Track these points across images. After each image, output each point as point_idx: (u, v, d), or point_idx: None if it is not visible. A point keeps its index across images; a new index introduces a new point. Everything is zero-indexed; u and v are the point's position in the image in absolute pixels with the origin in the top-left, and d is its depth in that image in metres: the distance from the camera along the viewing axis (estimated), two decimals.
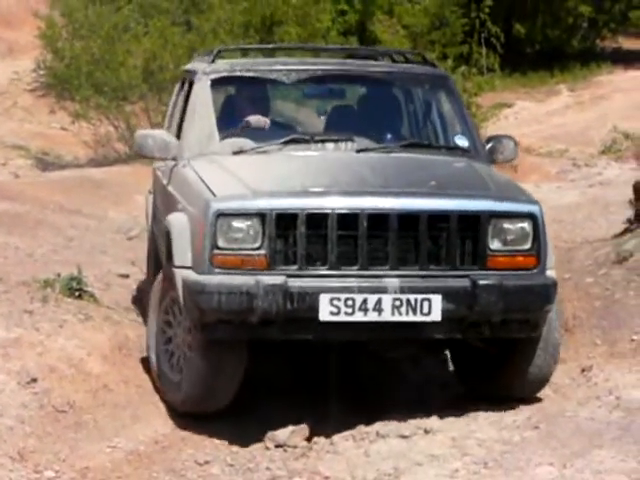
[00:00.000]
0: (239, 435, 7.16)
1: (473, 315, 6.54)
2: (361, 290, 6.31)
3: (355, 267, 6.39)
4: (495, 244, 6.61)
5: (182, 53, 19.55)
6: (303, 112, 8.93)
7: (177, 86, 9.80)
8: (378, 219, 6.40)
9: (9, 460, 6.17)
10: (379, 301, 6.28)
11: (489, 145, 8.05)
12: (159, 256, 8.70)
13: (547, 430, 6.44)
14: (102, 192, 15.39)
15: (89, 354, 7.39)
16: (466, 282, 6.48)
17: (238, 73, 8.30)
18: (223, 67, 8.30)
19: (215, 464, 6.62)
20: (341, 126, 8.35)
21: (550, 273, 6.97)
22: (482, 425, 6.68)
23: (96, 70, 20.47)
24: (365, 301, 6.27)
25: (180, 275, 6.65)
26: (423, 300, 6.33)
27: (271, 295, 6.22)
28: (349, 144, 7.69)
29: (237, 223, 6.38)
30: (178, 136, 8.32)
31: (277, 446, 6.80)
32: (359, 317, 6.29)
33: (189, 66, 9.53)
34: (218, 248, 6.39)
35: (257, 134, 7.91)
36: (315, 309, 6.28)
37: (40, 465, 6.24)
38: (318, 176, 7.16)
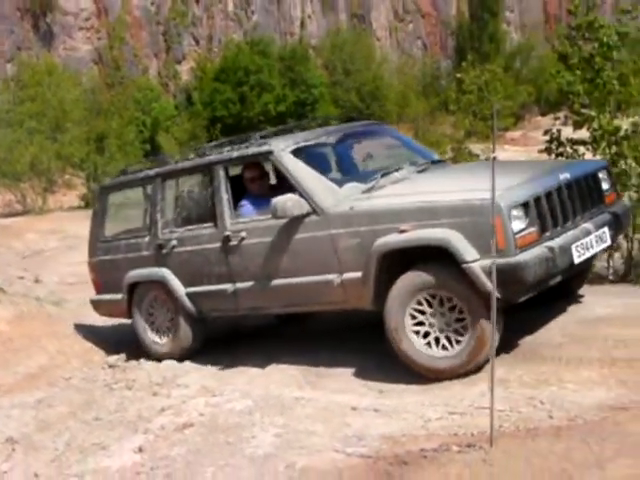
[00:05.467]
0: (89, 361, 6.66)
1: (617, 235, 5.48)
2: (585, 236, 4.97)
3: (569, 222, 4.97)
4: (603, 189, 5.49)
5: (51, 155, 20.03)
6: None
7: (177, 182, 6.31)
8: (568, 186, 5.04)
9: None
10: (590, 240, 5.00)
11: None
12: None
13: None
14: (7, 232, 14.36)
15: (0, 321, 6.81)
16: (609, 215, 5.29)
17: (302, 144, 5.65)
18: (288, 142, 5.65)
19: (74, 378, 6.16)
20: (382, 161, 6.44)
21: None
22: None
23: (2, 165, 19.66)
24: (587, 243, 4.97)
25: (479, 266, 4.49)
26: (602, 233, 5.13)
27: (562, 255, 4.70)
28: (405, 170, 5.71)
29: (515, 212, 4.59)
30: (211, 218, 5.77)
31: (110, 366, 6.35)
32: (587, 254, 4.97)
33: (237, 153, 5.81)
34: (516, 233, 4.54)
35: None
36: (571, 256, 4.80)
37: None
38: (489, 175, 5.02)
